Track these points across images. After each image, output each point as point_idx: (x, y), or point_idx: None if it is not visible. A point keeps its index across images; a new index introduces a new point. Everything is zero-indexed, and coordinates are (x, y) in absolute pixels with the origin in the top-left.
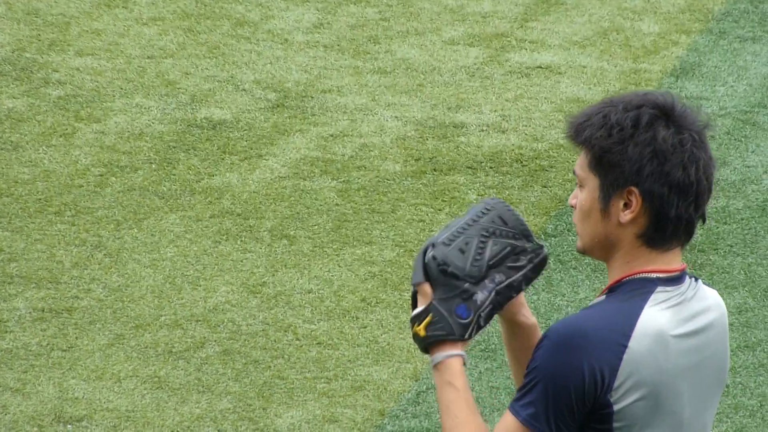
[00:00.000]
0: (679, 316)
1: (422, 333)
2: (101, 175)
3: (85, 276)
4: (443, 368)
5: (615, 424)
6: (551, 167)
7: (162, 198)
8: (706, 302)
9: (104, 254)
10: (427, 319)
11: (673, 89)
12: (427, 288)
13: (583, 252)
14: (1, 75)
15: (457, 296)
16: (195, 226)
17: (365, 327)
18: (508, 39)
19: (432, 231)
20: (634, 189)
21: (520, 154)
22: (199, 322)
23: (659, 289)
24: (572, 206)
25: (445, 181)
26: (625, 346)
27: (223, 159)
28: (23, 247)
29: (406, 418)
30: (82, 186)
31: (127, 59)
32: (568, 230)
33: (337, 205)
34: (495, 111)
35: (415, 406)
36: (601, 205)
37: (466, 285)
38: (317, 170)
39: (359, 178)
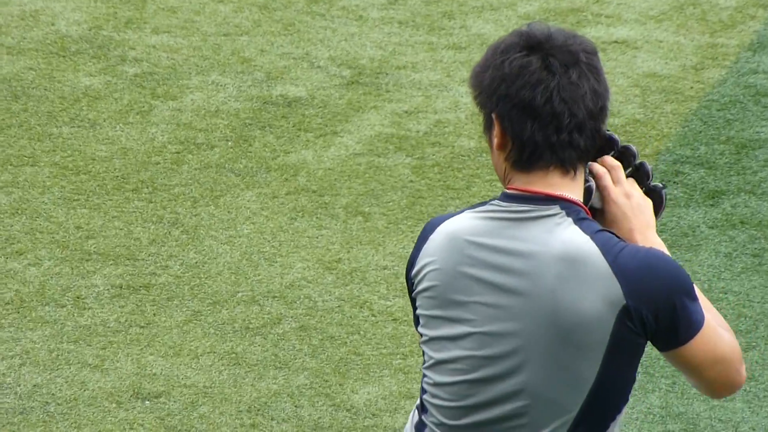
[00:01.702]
0: (491, 227)
1: None
2: (178, 153)
3: (163, 253)
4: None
5: (416, 312)
6: (628, 142)
7: (238, 175)
8: (552, 237)
9: (181, 231)
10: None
11: (750, 64)
12: None
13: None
14: (78, 53)
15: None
16: (271, 203)
17: None
18: (584, 14)
19: None
20: (494, 114)
21: None
22: (276, 299)
23: (494, 201)
24: None
25: None
26: (427, 239)
27: (298, 136)
28: (101, 224)
29: None
30: (159, 163)
31: (203, 37)
32: None
33: (411, 181)
34: None
35: None
36: (486, 136)
37: None
38: (392, 147)
39: (434, 155)
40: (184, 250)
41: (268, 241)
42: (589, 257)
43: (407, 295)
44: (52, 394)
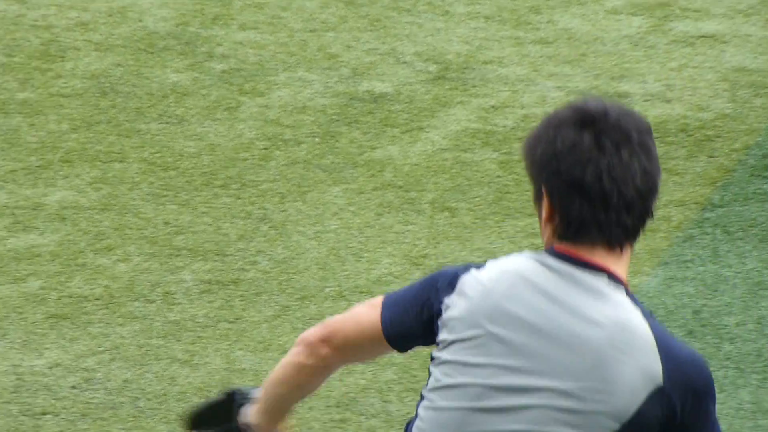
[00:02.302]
0: (545, 274)
1: None
2: (265, 149)
3: (251, 248)
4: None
5: (435, 335)
6: (717, 137)
7: (325, 171)
8: (602, 299)
9: (269, 227)
10: None
11: None
12: None
13: None
14: (165, 49)
15: None
16: (357, 198)
17: None
18: (672, 8)
19: None
20: (544, 188)
21: (685, 123)
22: (363, 294)
23: (544, 253)
24: None
25: None
26: (467, 274)
27: (384, 132)
28: (189, 220)
29: None
30: (247, 159)
31: (290, 33)
32: (734, 200)
33: (498, 176)
34: (659, 81)
35: None
36: (536, 206)
37: None
38: (478, 142)
39: (521, 150)
40: (272, 246)
41: (355, 236)
42: (637, 328)
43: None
44: (142, 389)
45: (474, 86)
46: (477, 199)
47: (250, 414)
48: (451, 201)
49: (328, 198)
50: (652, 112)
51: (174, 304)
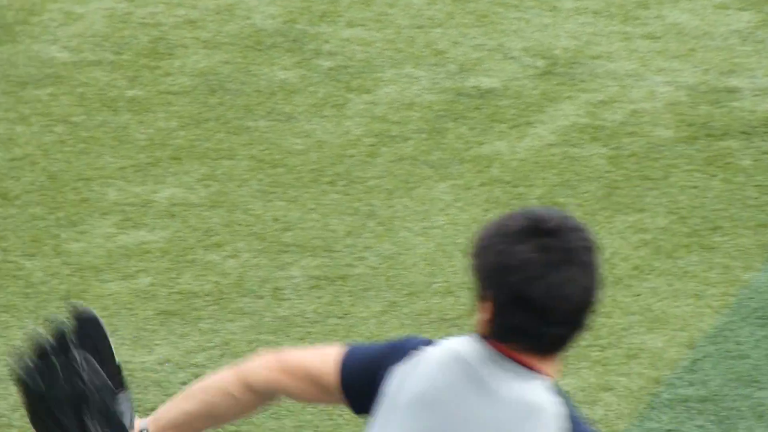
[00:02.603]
0: (476, 366)
1: None
2: (372, 145)
3: (359, 244)
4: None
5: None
6: None
7: (432, 167)
8: (523, 386)
9: (377, 223)
10: None
11: None
12: None
13: None
14: (273, 47)
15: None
16: (464, 194)
17: (638, 295)
18: None
19: (705, 198)
20: (488, 292)
21: None
22: (471, 290)
23: (478, 341)
24: None
25: (718, 147)
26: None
27: (492, 127)
28: (298, 216)
29: (682, 386)
30: (354, 156)
31: (397, 29)
32: None
33: (607, 172)
34: None
35: (691, 374)
36: (476, 300)
37: None
38: (586, 137)
39: (630, 145)
40: (379, 242)
41: (462, 232)
42: (548, 412)
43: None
44: None
45: (582, 81)
46: (586, 194)
47: (148, 424)
48: (559, 196)
49: (435, 194)
50: (761, 107)
51: (283, 299)
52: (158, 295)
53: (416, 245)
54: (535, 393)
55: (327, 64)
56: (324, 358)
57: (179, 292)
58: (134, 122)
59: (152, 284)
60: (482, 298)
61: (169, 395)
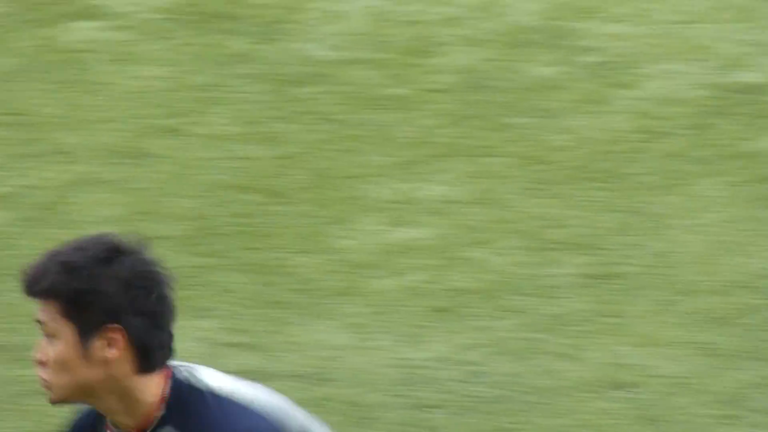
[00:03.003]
0: None
1: None
2: (638, 141)
3: (628, 242)
4: None
5: None
6: None
7: (698, 163)
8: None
9: (644, 219)
10: None
11: None
12: None
13: (61, 402)
14: (534, 43)
15: None
16: (732, 191)
17: None
18: None
19: None
20: (116, 325)
21: None
22: (743, 288)
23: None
24: (40, 363)
25: None
26: None
27: (757, 123)
28: (564, 213)
29: None
30: (619, 152)
31: (658, 24)
32: None
33: None
34: None
35: None
36: (82, 351)
37: None
38: None
39: None
40: (648, 239)
41: (730, 230)
42: None
43: None
44: (528, 383)
45: None
46: None
47: None
48: None
49: (702, 190)
50: None
51: (552, 297)
52: (430, 292)
53: (686, 242)
54: None
55: (589, 59)
56: None
57: (451, 289)
58: (398, 120)
59: (423, 281)
60: (89, 337)
61: (443, 392)
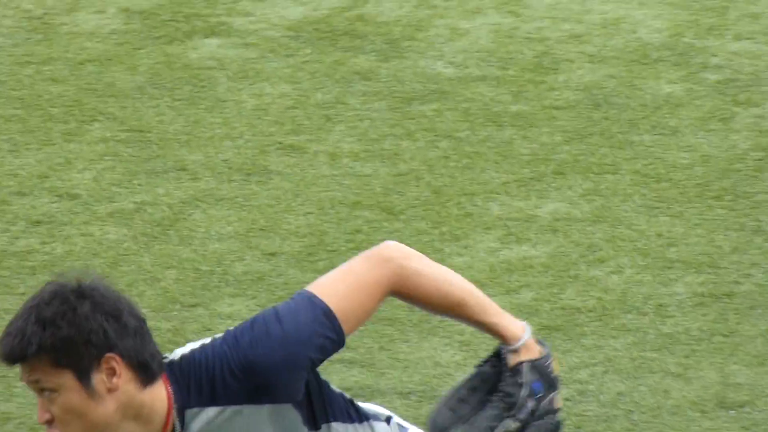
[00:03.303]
0: None
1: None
2: (760, 160)
3: (745, 260)
4: None
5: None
6: None
7: None
8: None
9: (764, 239)
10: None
11: None
12: None
13: None
14: (659, 60)
15: None
16: None
17: None
18: None
19: None
20: (110, 354)
21: None
22: None
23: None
24: (47, 422)
25: None
26: None
27: None
28: (682, 231)
29: None
30: (741, 170)
31: None
32: None
33: None
34: None
35: None
36: (86, 391)
37: None
38: None
39: None
40: (767, 259)
41: None
42: None
43: None
44: (635, 401)
45: None
46: None
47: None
48: None
49: None
50: None
51: (667, 316)
52: (541, 310)
53: None
54: None
55: (714, 77)
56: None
57: (562, 308)
58: (518, 137)
59: (535, 299)
60: (88, 373)
61: None
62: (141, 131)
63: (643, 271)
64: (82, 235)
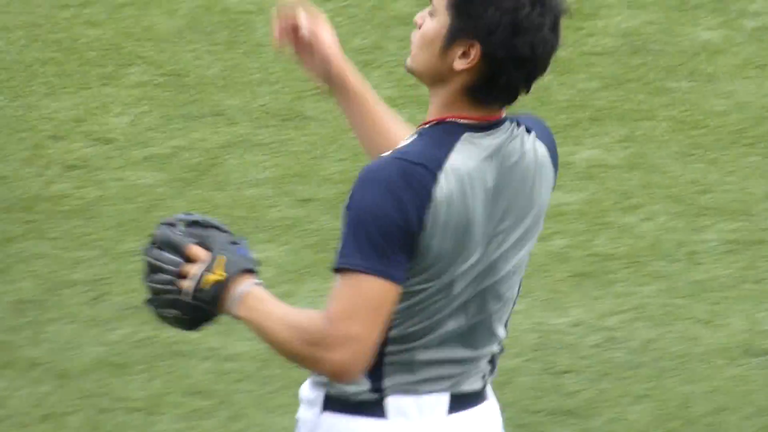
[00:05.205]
0: (482, 155)
1: (219, 276)
2: None
3: None
4: (253, 298)
5: (422, 263)
6: None
7: None
8: (522, 147)
9: None
10: (221, 260)
11: None
12: (197, 249)
13: (411, 72)
14: (698, 7)
15: (230, 242)
16: None
17: None
18: None
19: None
20: (478, 45)
21: None
22: None
23: (467, 135)
24: (417, 25)
25: None
26: (434, 184)
27: None
28: (716, 178)
29: None
30: None
31: None
32: None
33: None
34: None
35: None
36: (444, 43)
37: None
38: None
39: None
40: None
41: None
42: (546, 160)
43: None
44: (664, 349)
45: None
46: None
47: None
48: None
49: None
50: None
51: (698, 263)
52: (573, 257)
53: None
54: (535, 148)
55: (752, 24)
56: (369, 295)
57: (594, 254)
58: (556, 83)
59: (568, 246)
60: (456, 41)
61: (581, 358)
62: (178, 75)
63: (676, 218)
64: (117, 179)
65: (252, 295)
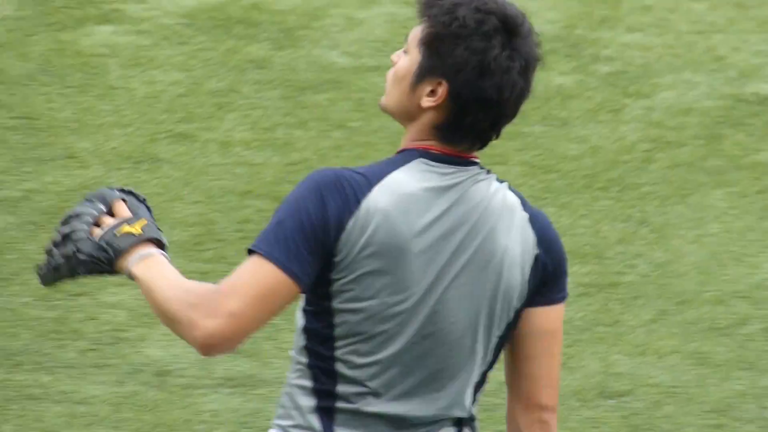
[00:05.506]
0: (433, 182)
1: (135, 230)
2: (647, 151)
3: (630, 251)
4: (155, 260)
5: (335, 275)
6: None
7: (708, 174)
8: (488, 190)
9: (649, 230)
10: (143, 222)
11: None
12: (123, 206)
13: (384, 110)
14: (551, 52)
15: (154, 220)
16: (740, 202)
17: None
18: None
19: None
20: (446, 84)
21: None
22: (743, 299)
23: (422, 159)
24: (393, 63)
25: None
26: (367, 193)
27: None
28: (569, 222)
29: None
30: (629, 162)
31: (677, 35)
32: None
33: None
34: None
35: None
36: (413, 80)
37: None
38: None
39: None
40: (651, 249)
41: (736, 240)
42: (516, 207)
43: None
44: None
45: None
46: None
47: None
48: None
49: (710, 201)
50: None
51: None
52: None
53: (688, 253)
54: (505, 194)
55: (605, 69)
56: (260, 279)
57: None
58: None
59: None
60: (426, 79)
61: None
62: (30, 118)
63: None
64: None
65: (155, 258)
